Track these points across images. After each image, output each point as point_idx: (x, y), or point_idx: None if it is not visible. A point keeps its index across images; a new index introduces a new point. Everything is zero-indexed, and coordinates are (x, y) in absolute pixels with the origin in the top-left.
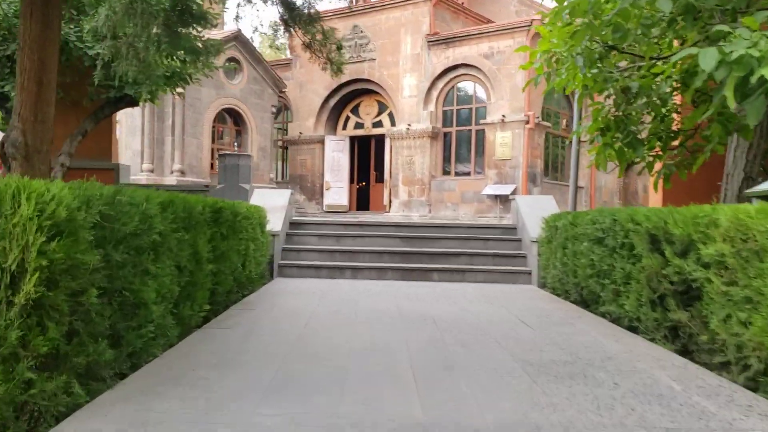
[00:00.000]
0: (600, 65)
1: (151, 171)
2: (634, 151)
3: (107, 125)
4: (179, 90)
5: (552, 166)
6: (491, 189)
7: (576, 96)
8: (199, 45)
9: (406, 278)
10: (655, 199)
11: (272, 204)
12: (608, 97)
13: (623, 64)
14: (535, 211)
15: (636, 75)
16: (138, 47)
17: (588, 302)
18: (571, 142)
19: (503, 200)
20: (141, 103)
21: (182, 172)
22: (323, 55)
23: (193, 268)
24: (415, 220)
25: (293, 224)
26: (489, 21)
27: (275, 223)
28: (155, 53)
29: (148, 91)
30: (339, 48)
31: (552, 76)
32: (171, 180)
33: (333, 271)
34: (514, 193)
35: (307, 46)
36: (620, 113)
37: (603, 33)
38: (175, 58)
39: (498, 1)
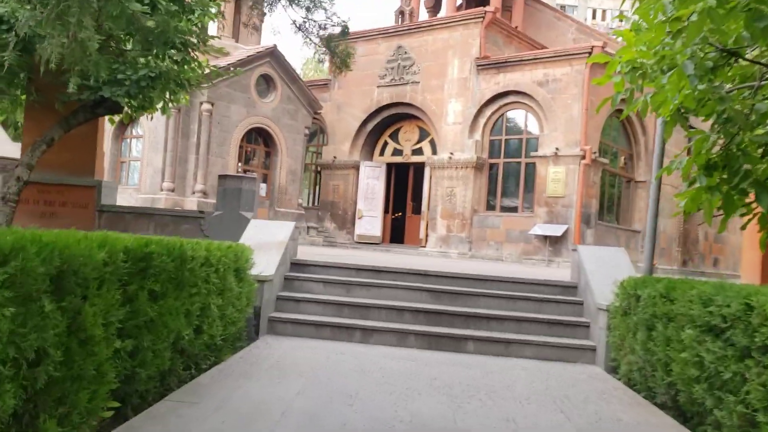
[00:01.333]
0: (712, 77)
1: (172, 190)
2: (741, 198)
3: (90, 135)
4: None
5: (607, 207)
6: (540, 229)
7: (658, 123)
8: (192, 39)
9: (433, 347)
10: (748, 259)
11: (268, 239)
12: (714, 123)
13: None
14: (602, 267)
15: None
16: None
17: (687, 413)
18: (627, 180)
19: (553, 242)
20: (135, 114)
21: (204, 193)
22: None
23: (70, 352)
24: (453, 259)
25: (295, 265)
26: (544, 47)
27: (267, 264)
28: (89, 28)
29: (134, 96)
30: (345, 33)
31: (635, 95)
32: (192, 201)
33: (338, 331)
34: (565, 234)
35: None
36: (733, 147)
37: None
38: (163, 56)
39: (555, 28)
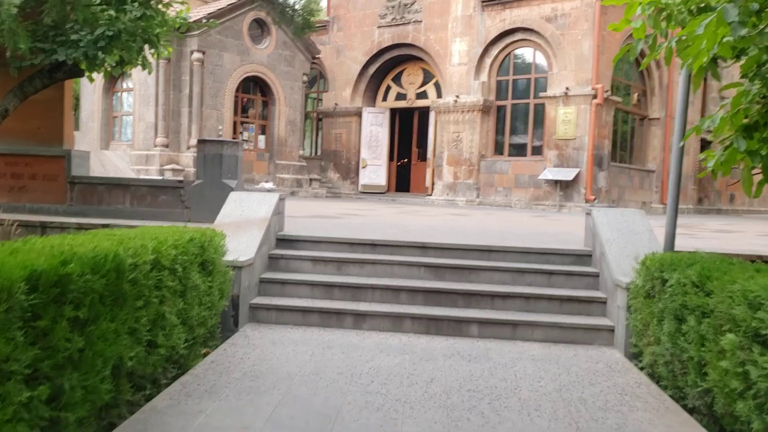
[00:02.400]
0: (756, 22)
1: (166, 146)
2: None
3: (56, 101)
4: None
5: (620, 146)
6: (550, 173)
7: (681, 77)
8: None
9: (432, 331)
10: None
11: (249, 215)
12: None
13: None
14: (620, 235)
15: None
16: None
17: (725, 427)
18: (641, 118)
19: (564, 186)
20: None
21: None
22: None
23: None
24: (460, 207)
25: (282, 242)
26: None
27: (247, 245)
28: None
29: (92, 57)
30: None
31: (658, 39)
32: (187, 157)
33: (327, 317)
34: (576, 178)
35: None
36: None
37: None
38: (122, 12)
39: None
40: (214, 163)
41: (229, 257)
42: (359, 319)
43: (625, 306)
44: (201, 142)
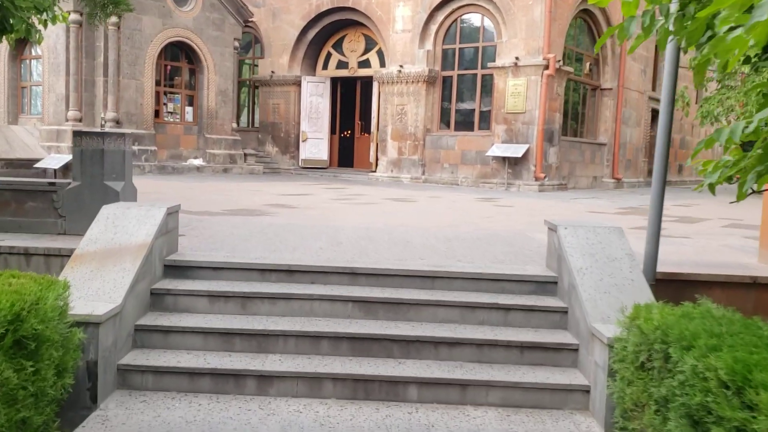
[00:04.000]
0: None
1: (79, 120)
2: None
3: None
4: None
5: (571, 118)
6: (499, 149)
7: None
8: None
9: (359, 396)
10: None
11: (120, 241)
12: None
13: None
14: (593, 262)
15: None
16: None
17: None
18: (593, 88)
19: (512, 163)
20: None
21: (117, 122)
22: None
23: None
24: (404, 185)
25: (171, 270)
26: None
27: (112, 287)
28: None
29: None
30: None
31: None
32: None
33: (224, 381)
34: (526, 155)
35: None
36: None
37: None
38: None
39: None
40: (93, 160)
41: (81, 309)
42: (265, 383)
43: (605, 366)
44: (77, 134)
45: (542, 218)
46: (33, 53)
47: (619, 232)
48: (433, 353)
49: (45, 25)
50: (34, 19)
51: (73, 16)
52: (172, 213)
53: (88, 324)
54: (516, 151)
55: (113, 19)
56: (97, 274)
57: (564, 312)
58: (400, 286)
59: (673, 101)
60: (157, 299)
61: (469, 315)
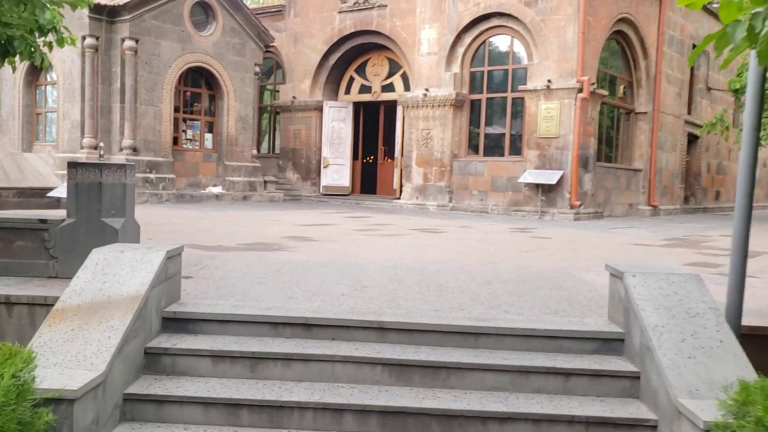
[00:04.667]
0: None
1: (95, 147)
2: None
3: None
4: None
5: (606, 143)
6: (531, 176)
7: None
8: None
9: None
10: None
11: (110, 292)
12: None
13: None
14: (671, 318)
15: None
16: None
17: None
18: (627, 112)
19: (546, 190)
20: None
21: (134, 149)
22: None
23: None
24: (431, 214)
25: (170, 323)
26: None
27: (95, 351)
28: None
29: None
30: None
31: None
32: (120, 160)
33: None
34: (560, 182)
35: None
36: None
37: None
38: None
39: None
40: (90, 195)
41: (52, 382)
42: None
43: None
44: (72, 166)
45: (586, 252)
46: (48, 79)
47: (697, 281)
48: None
49: (50, 48)
50: (40, 41)
51: (89, 41)
52: (174, 257)
53: (60, 401)
54: (550, 177)
55: (129, 43)
56: (79, 334)
57: (635, 377)
58: (438, 344)
59: (758, 127)
60: (153, 360)
61: (522, 382)
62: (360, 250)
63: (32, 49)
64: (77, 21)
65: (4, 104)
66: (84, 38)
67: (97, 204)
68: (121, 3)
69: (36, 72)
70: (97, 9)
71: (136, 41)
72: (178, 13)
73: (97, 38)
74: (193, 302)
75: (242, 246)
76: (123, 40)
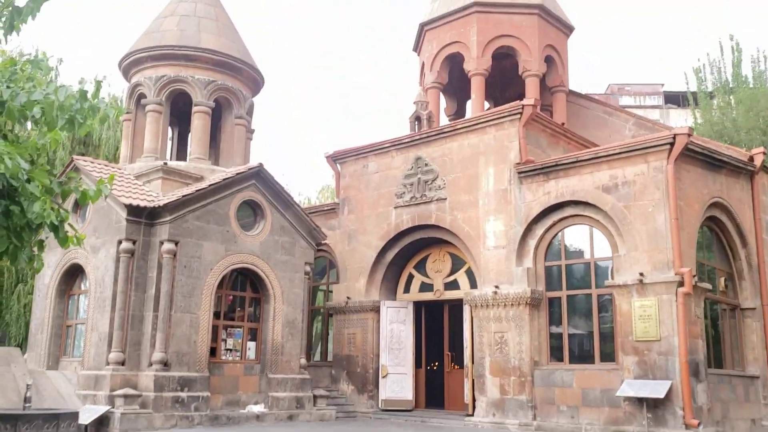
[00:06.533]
0: None
1: (121, 363)
2: None
3: None
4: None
5: (713, 346)
6: (631, 387)
7: None
8: None
9: None
10: None
11: None
12: None
13: None
14: None
15: None
16: None
17: None
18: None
19: (652, 405)
20: None
21: (165, 364)
22: None
23: None
24: None
25: None
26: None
27: None
28: None
29: None
30: None
31: None
32: (147, 377)
33: None
34: (669, 394)
35: None
36: None
37: None
38: None
39: (607, 126)
40: None
41: None
42: None
43: None
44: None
45: None
46: (82, 287)
47: None
48: None
49: (41, 248)
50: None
51: (125, 245)
52: None
53: None
54: (655, 389)
55: (168, 245)
56: None
57: None
58: None
59: None
60: None
61: None
62: None
63: (15, 248)
64: (114, 225)
65: (35, 316)
66: (120, 242)
67: None
68: (161, 204)
69: (71, 280)
70: (135, 211)
71: (176, 243)
72: (224, 213)
73: (134, 242)
74: None
75: None
76: (162, 242)
